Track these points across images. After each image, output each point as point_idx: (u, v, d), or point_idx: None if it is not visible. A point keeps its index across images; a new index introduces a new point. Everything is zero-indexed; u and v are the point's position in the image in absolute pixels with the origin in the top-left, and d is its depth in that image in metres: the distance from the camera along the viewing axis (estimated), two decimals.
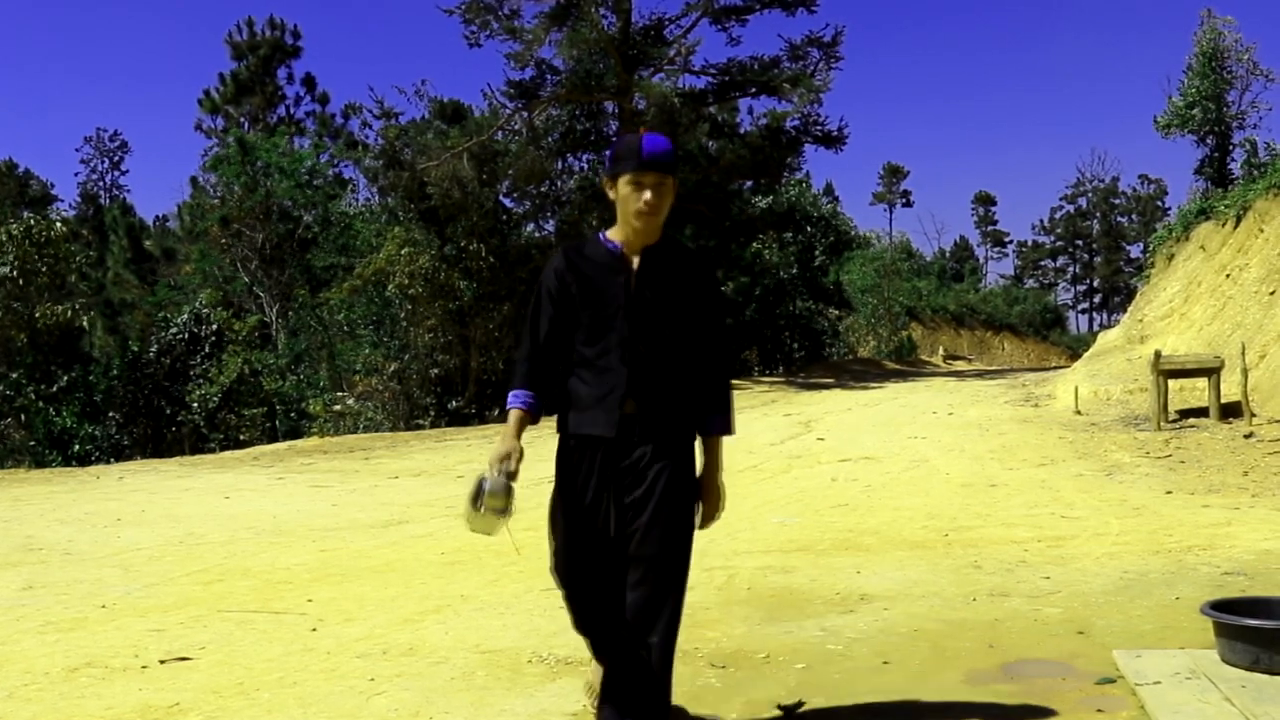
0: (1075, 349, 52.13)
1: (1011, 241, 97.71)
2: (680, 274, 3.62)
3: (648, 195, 3.50)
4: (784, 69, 26.58)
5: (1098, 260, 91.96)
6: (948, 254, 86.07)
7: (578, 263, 3.65)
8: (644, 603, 3.48)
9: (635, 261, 3.59)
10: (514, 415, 3.60)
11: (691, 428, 3.65)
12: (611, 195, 3.61)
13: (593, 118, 28.07)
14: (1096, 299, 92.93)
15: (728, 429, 3.68)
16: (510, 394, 3.63)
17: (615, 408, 3.54)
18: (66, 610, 6.29)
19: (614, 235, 3.65)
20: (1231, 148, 26.37)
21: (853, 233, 44.31)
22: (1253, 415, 13.47)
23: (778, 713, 4.13)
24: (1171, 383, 14.89)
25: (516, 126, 27.01)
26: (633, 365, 3.55)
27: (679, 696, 3.45)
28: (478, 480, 3.45)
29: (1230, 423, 13.57)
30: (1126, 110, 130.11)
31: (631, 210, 3.53)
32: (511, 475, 3.46)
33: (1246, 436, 12.35)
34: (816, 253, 36.66)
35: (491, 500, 3.41)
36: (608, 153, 3.75)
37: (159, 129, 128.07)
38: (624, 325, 3.56)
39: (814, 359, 36.57)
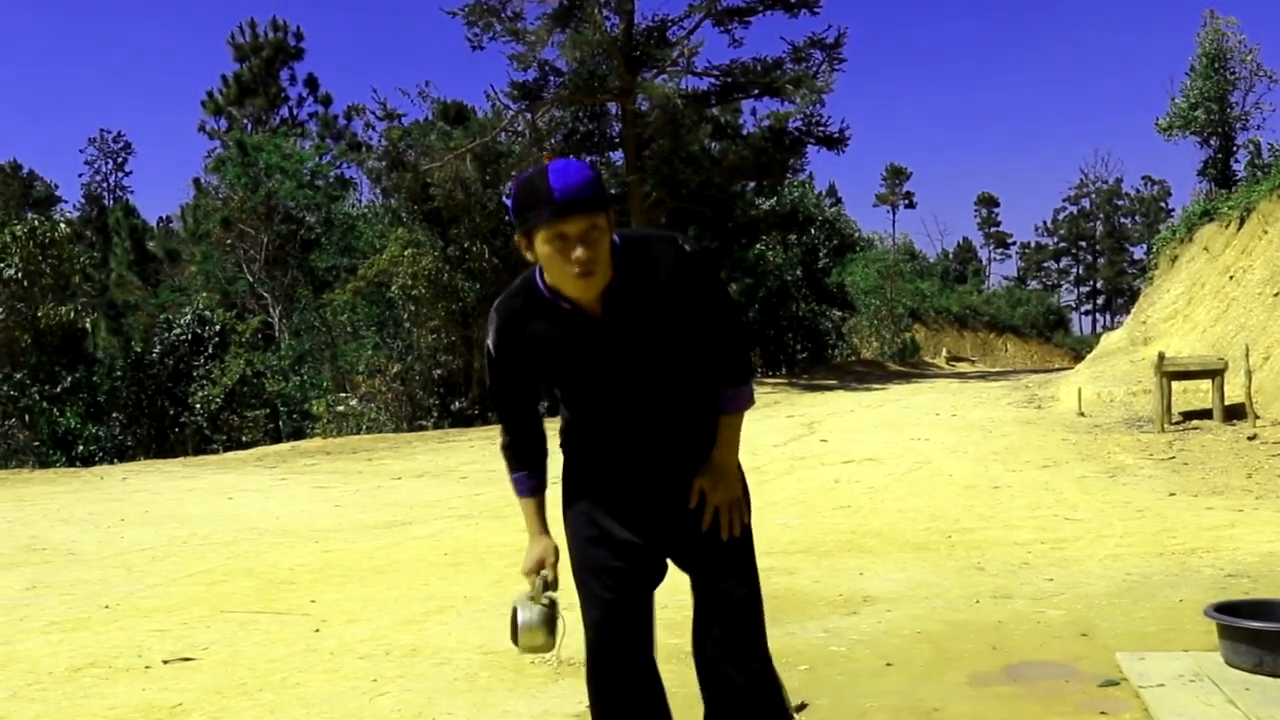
0: (1078, 351, 52.07)
1: (1015, 243, 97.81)
2: (657, 290, 2.77)
3: (578, 252, 2.61)
4: (787, 70, 26.60)
5: (1101, 262, 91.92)
6: (951, 255, 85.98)
7: (521, 325, 2.84)
8: (731, 636, 2.92)
9: (596, 308, 2.77)
10: (526, 506, 3.01)
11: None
12: (530, 256, 2.72)
13: (596, 119, 28.10)
14: (1100, 300, 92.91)
15: (740, 403, 2.94)
16: (511, 478, 3.04)
17: (631, 459, 2.94)
18: (70, 610, 6.30)
19: (552, 285, 2.77)
20: (1235, 149, 26.37)
21: (856, 234, 44.34)
22: (1256, 417, 13.46)
23: None
24: (1175, 384, 14.87)
25: (519, 128, 27.06)
26: (632, 415, 2.91)
27: (681, 699, 3.44)
28: (512, 611, 2.89)
29: (1234, 425, 13.56)
30: (1130, 111, 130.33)
31: (564, 275, 2.66)
32: (550, 585, 2.92)
33: (1250, 438, 12.34)
34: (820, 254, 36.66)
35: (528, 638, 2.85)
36: (506, 200, 2.74)
37: (162, 130, 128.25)
38: (605, 385, 2.88)
39: (817, 360, 36.55)
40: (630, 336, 2.80)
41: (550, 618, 2.85)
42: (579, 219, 2.59)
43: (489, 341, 2.91)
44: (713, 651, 2.95)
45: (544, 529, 2.98)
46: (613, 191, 27.38)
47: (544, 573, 2.92)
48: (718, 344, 2.89)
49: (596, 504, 2.95)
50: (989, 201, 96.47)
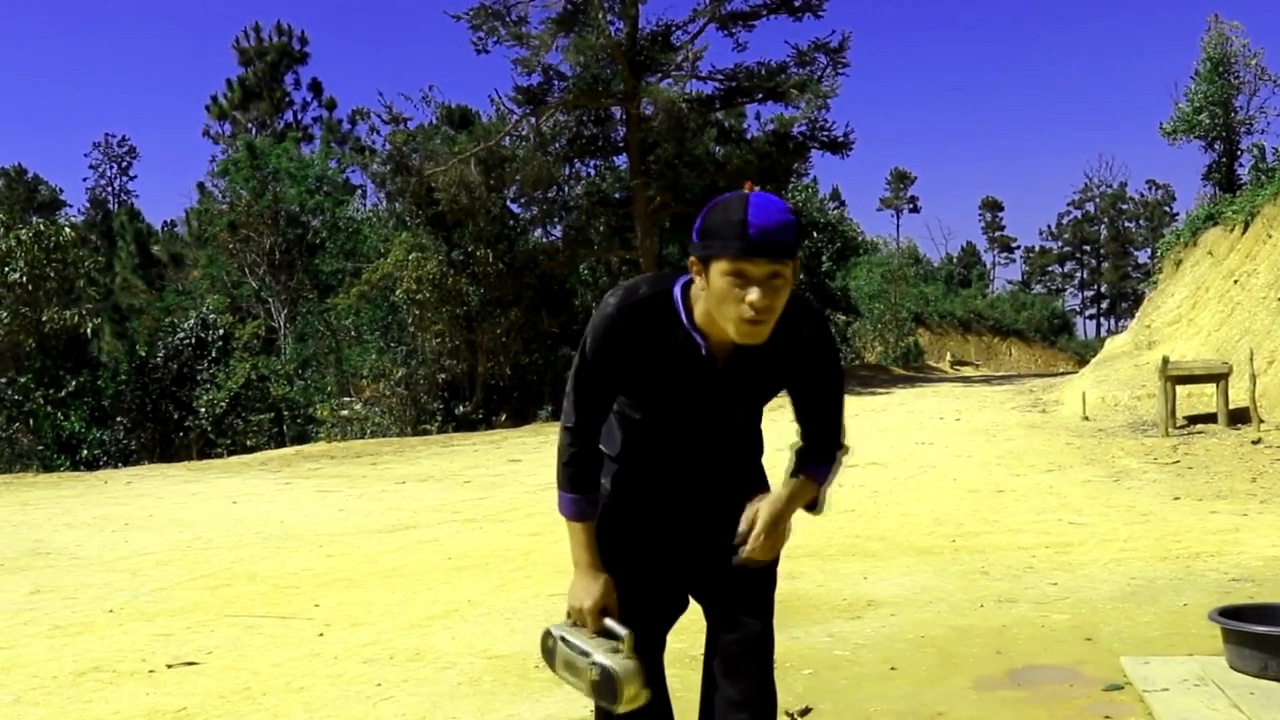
0: (1083, 355, 52.06)
1: (1019, 247, 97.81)
2: (785, 356, 2.65)
3: (754, 295, 2.40)
4: (791, 74, 26.57)
5: (1105, 266, 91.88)
6: (955, 259, 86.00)
7: (640, 335, 2.61)
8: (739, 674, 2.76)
9: (725, 353, 2.61)
10: (577, 531, 2.72)
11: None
12: (699, 281, 2.50)
13: (600, 123, 28.07)
14: (1104, 305, 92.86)
15: (824, 476, 2.78)
16: (563, 497, 2.74)
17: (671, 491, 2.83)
18: (74, 614, 6.31)
19: (699, 319, 2.57)
20: (1239, 153, 26.37)
21: (859, 238, 44.34)
22: (1261, 421, 13.44)
23: (785, 719, 4.13)
24: (1179, 389, 14.86)
25: (524, 132, 27.03)
26: (696, 447, 2.79)
27: (688, 704, 3.44)
28: (599, 669, 2.54)
29: (1238, 429, 13.54)
30: (1134, 115, 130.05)
31: (732, 316, 2.44)
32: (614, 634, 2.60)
33: (1254, 442, 12.33)
34: (823, 258, 36.67)
35: (632, 692, 2.53)
36: (696, 224, 2.50)
37: (167, 135, 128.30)
38: (687, 417, 2.74)
39: None
40: (741, 387, 2.68)
41: (641, 668, 2.55)
42: (766, 263, 2.39)
43: (592, 340, 2.63)
44: (721, 695, 2.77)
45: (597, 561, 2.70)
46: (616, 196, 27.39)
47: (612, 622, 2.62)
48: (822, 419, 2.78)
49: (631, 525, 2.81)
50: (993, 205, 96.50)
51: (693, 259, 2.50)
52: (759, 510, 2.67)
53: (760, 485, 2.84)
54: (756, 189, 2.49)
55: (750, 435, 2.84)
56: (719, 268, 2.41)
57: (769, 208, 2.41)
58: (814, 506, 2.81)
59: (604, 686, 2.53)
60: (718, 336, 2.55)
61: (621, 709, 2.55)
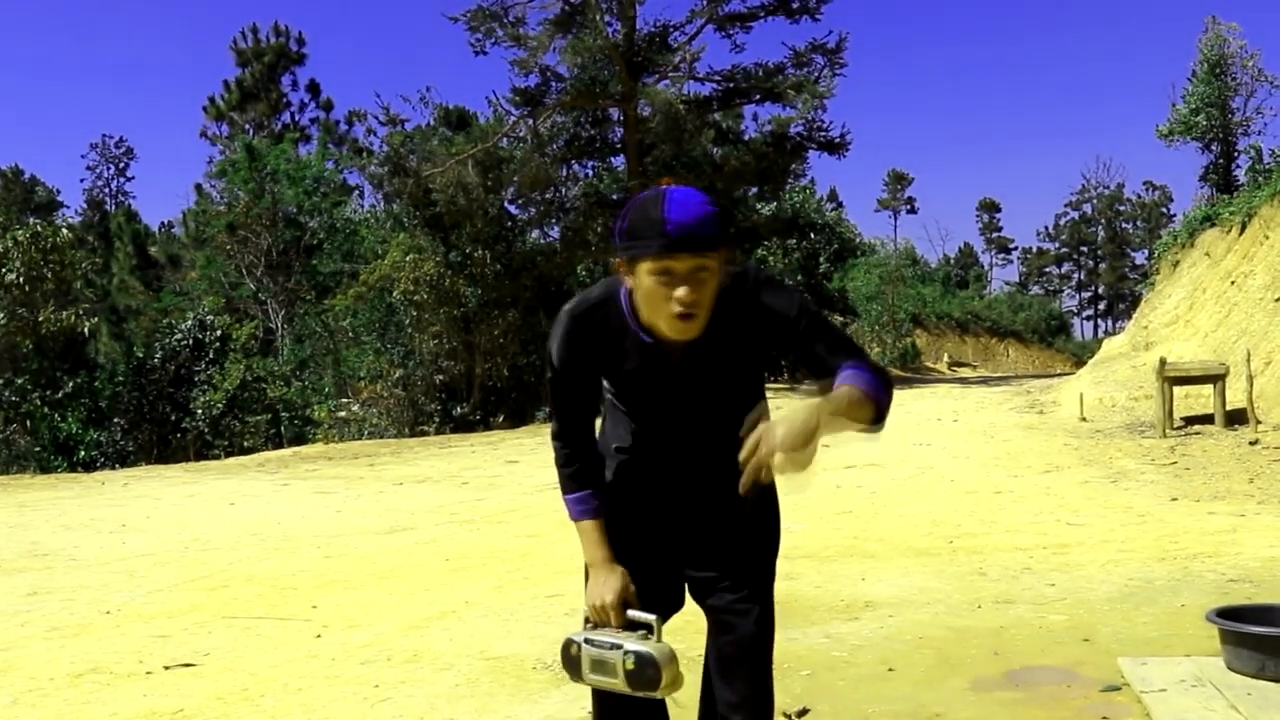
0: (1080, 356, 52.06)
1: (1016, 248, 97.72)
2: (735, 330, 2.59)
3: (681, 292, 2.41)
4: (788, 75, 26.59)
5: (1103, 267, 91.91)
6: (952, 261, 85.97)
7: (595, 337, 2.64)
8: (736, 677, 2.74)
9: (678, 348, 2.59)
10: (587, 530, 2.73)
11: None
12: (628, 281, 2.53)
13: (598, 124, 28.08)
14: (1101, 306, 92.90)
15: (868, 386, 2.45)
16: (567, 499, 2.76)
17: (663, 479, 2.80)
18: (71, 616, 6.31)
19: (643, 318, 2.57)
20: (1236, 154, 26.45)
21: (857, 239, 44.38)
22: (1258, 422, 13.45)
23: None
24: (1177, 390, 14.87)
25: (521, 133, 27.04)
26: (679, 439, 2.76)
27: (682, 701, 3.43)
28: (635, 656, 2.52)
29: (1235, 430, 13.55)
30: (1131, 117, 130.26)
31: (663, 314, 2.46)
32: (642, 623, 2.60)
33: (1252, 443, 12.33)
34: (821, 259, 36.68)
35: (671, 675, 2.52)
36: (618, 224, 2.52)
37: (164, 136, 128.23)
38: (660, 410, 2.74)
39: None
40: (703, 378, 2.64)
41: (674, 650, 2.54)
42: (689, 257, 2.39)
43: (553, 348, 2.67)
44: (719, 696, 2.75)
45: (611, 555, 2.69)
46: (613, 197, 27.38)
47: (636, 613, 2.61)
48: (834, 348, 2.56)
49: (625, 519, 2.78)
50: (991, 207, 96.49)
51: (619, 260, 2.52)
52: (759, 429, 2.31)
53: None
54: (674, 184, 2.49)
55: (734, 434, 2.63)
56: (644, 267, 2.43)
57: (687, 202, 2.41)
58: (877, 419, 2.47)
59: (642, 674, 2.50)
60: (668, 335, 2.54)
61: (662, 693, 2.54)
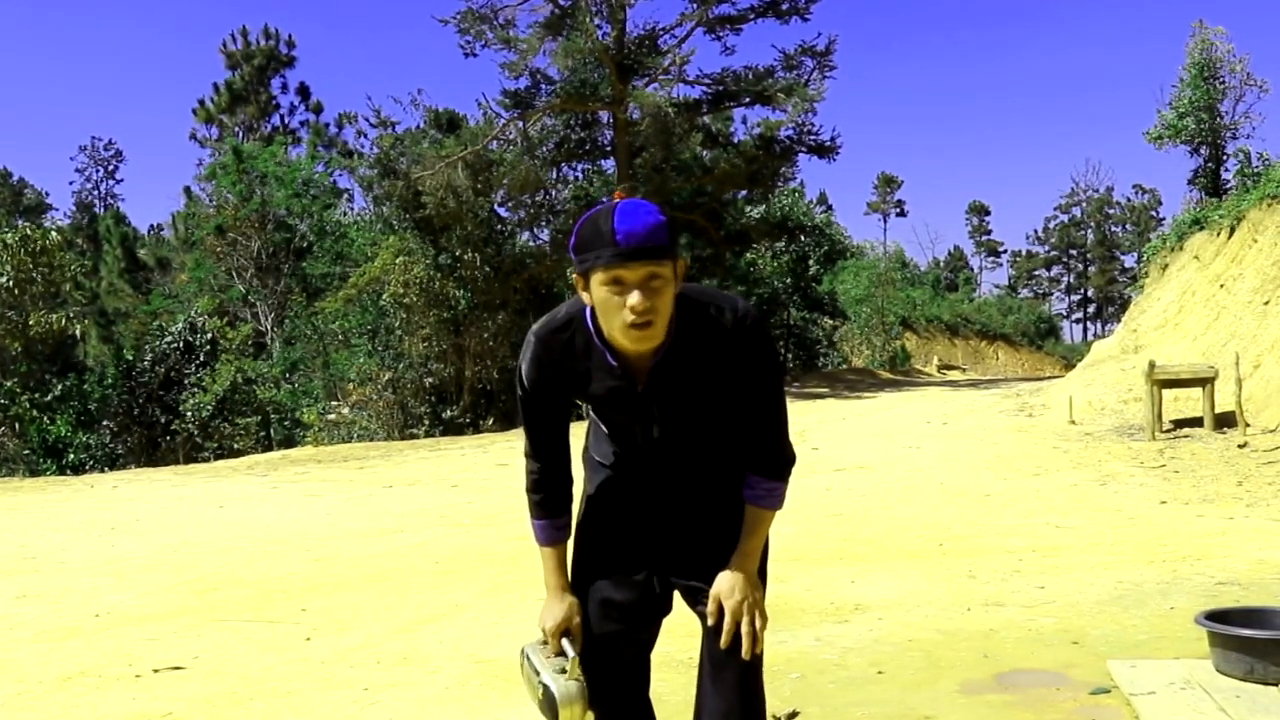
0: (1069, 359, 52.18)
1: (1006, 251, 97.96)
2: (709, 359, 2.59)
3: (634, 299, 2.41)
4: (778, 78, 26.61)
5: (1092, 270, 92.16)
6: (942, 264, 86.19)
7: (562, 357, 2.65)
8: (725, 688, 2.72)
9: (644, 369, 2.60)
10: (546, 556, 2.81)
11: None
12: (585, 298, 2.53)
13: (587, 127, 28.10)
14: (1091, 309, 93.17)
15: (772, 501, 2.70)
16: (533, 523, 2.84)
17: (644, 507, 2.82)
18: (60, 619, 6.29)
19: (607, 334, 2.57)
20: (1225, 158, 26.49)
21: (847, 242, 44.40)
22: (1247, 425, 13.49)
23: None
24: (1166, 392, 14.90)
25: (511, 136, 27.05)
26: (656, 462, 2.78)
27: (671, 706, 3.44)
28: (543, 688, 2.67)
29: (1224, 433, 13.58)
30: (1121, 120, 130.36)
31: (618, 325, 2.45)
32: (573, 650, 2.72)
33: (1240, 446, 12.36)
34: (810, 262, 36.71)
35: (569, 715, 2.62)
36: (571, 241, 2.53)
37: (153, 139, 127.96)
38: (633, 430, 2.74)
39: (808, 369, 36.62)
40: (669, 403, 2.65)
41: (585, 690, 2.66)
42: (639, 265, 2.40)
43: (522, 369, 2.68)
44: (709, 702, 2.72)
45: (565, 584, 2.79)
46: (603, 200, 27.34)
47: (569, 642, 2.71)
48: (759, 427, 2.67)
49: (609, 526, 2.82)
50: (980, 210, 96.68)
51: (576, 276, 2.52)
52: (719, 595, 2.60)
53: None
54: (625, 196, 2.51)
55: (715, 461, 2.75)
56: (597, 279, 2.44)
57: (636, 212, 2.43)
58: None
59: (549, 704, 2.63)
60: (625, 346, 2.54)
61: None
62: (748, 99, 27.19)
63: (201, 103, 47.98)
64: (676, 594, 2.82)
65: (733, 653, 2.65)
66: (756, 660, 2.70)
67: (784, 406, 2.72)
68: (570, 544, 2.86)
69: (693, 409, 2.68)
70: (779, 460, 2.70)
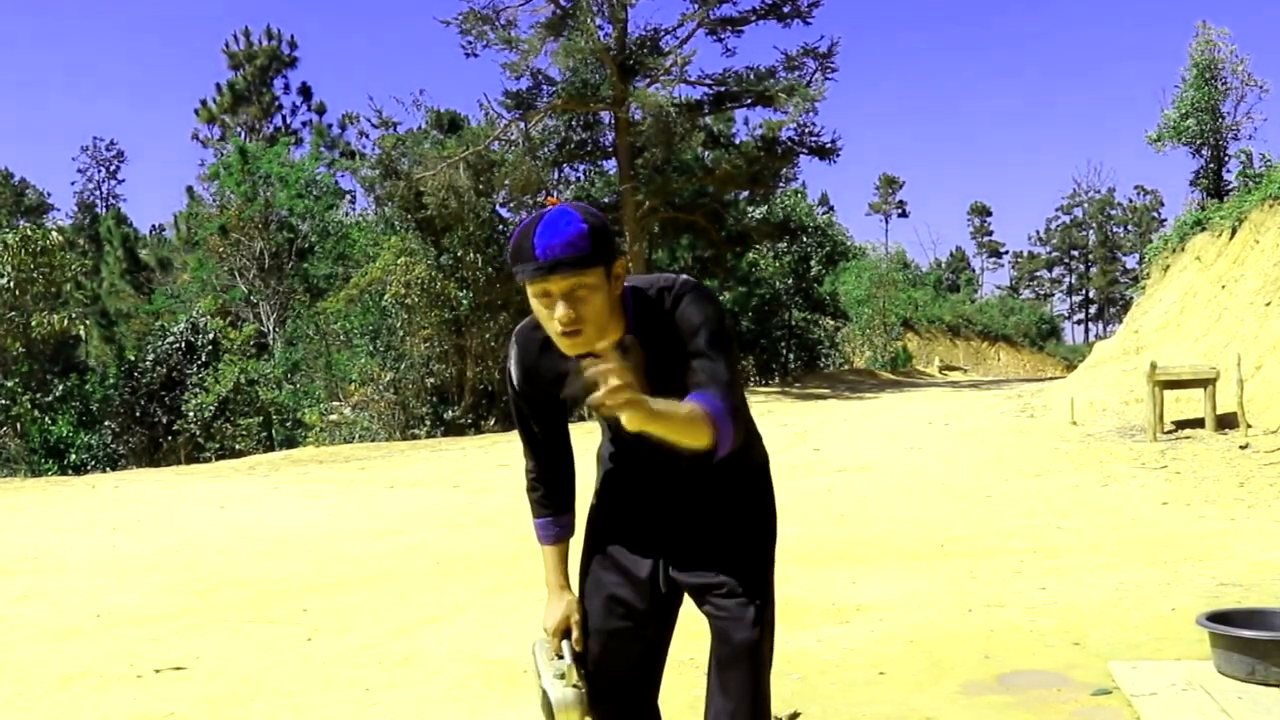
0: (1071, 360, 52.18)
1: (1007, 252, 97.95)
2: (666, 342, 2.57)
3: (560, 312, 2.43)
4: (779, 79, 26.62)
5: (1094, 271, 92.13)
6: (943, 265, 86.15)
7: (538, 357, 2.69)
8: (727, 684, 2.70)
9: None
10: (548, 555, 2.85)
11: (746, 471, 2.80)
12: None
13: (589, 128, 28.11)
14: (1092, 310, 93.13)
15: (711, 413, 2.39)
16: (534, 523, 2.88)
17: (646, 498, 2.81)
18: (61, 619, 6.29)
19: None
20: (1227, 159, 26.47)
21: (848, 243, 44.37)
22: (1248, 426, 13.47)
23: None
24: (1167, 394, 14.89)
25: (513, 136, 27.05)
26: (643, 455, 2.73)
27: (675, 706, 3.44)
28: (542, 692, 2.73)
29: (1226, 434, 13.58)
30: (1123, 121, 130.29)
31: (553, 333, 2.50)
32: (574, 654, 2.76)
33: (1242, 448, 12.36)
34: (812, 263, 36.69)
35: (562, 715, 2.66)
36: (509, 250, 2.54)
37: (155, 139, 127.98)
38: (619, 424, 2.42)
39: (810, 369, 36.58)
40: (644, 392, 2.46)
41: (583, 696, 2.68)
42: (560, 279, 2.40)
43: (509, 370, 2.74)
44: (715, 705, 2.70)
45: (566, 583, 2.82)
46: (605, 200, 27.37)
47: (568, 644, 2.74)
48: (702, 375, 2.50)
49: (614, 521, 2.83)
50: (982, 211, 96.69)
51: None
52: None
53: (748, 488, 2.81)
54: (558, 204, 2.50)
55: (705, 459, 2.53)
56: (528, 291, 2.48)
57: (557, 223, 2.42)
58: (713, 446, 2.41)
59: (546, 706, 2.70)
60: (565, 351, 2.52)
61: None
62: (749, 100, 27.20)
63: (204, 103, 48.02)
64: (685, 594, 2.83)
65: (739, 654, 2.66)
66: (763, 662, 2.70)
67: (731, 360, 2.58)
68: (580, 540, 2.88)
69: (666, 395, 2.49)
70: (725, 405, 2.45)
